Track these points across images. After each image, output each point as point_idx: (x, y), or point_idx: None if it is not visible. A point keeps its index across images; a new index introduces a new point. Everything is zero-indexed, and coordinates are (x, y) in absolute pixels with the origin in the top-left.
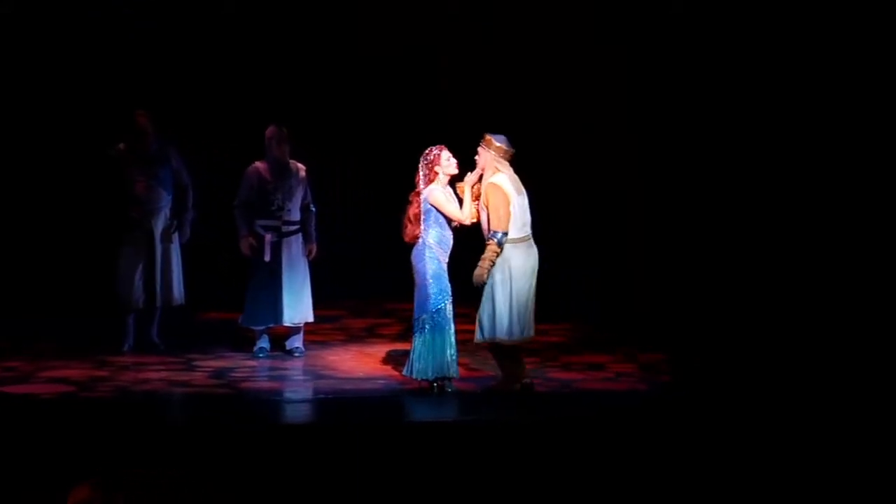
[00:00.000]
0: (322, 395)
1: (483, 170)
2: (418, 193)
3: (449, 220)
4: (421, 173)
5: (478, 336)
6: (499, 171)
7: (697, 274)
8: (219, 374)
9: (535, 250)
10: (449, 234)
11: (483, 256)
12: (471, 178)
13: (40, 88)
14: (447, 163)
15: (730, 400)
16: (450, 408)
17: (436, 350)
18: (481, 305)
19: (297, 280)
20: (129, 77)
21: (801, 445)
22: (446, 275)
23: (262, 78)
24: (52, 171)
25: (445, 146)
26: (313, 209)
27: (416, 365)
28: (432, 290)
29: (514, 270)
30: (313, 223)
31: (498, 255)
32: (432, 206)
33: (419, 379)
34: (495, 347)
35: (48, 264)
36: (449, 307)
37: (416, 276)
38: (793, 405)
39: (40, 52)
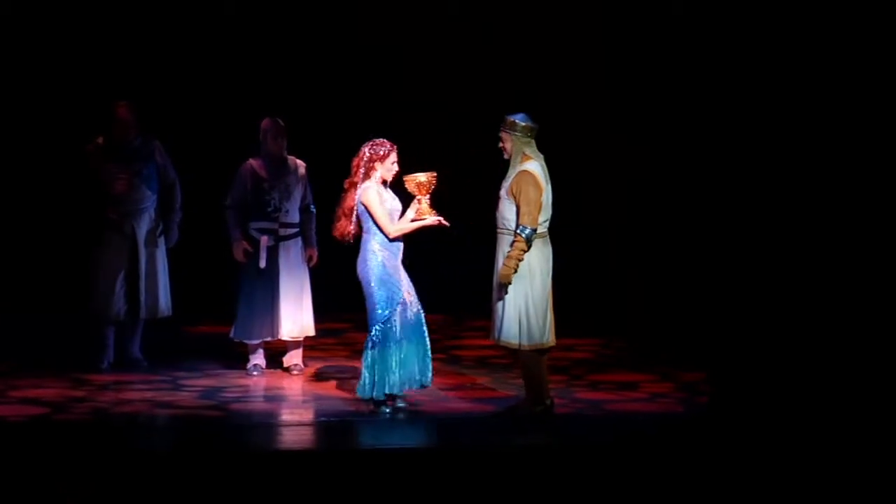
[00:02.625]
0: (323, 418)
1: (511, 154)
2: (354, 184)
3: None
4: (362, 161)
5: (494, 336)
6: (528, 157)
7: (744, 283)
8: (208, 394)
9: (550, 249)
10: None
11: (509, 254)
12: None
13: (17, 81)
14: (390, 166)
15: (776, 425)
16: (468, 432)
17: (385, 365)
18: (496, 306)
19: (295, 289)
20: (110, 65)
21: (848, 475)
22: (397, 278)
23: (256, 65)
24: (25, 168)
25: (397, 148)
26: (314, 210)
27: (362, 382)
28: (378, 298)
29: (531, 268)
30: (314, 226)
31: (525, 252)
32: (363, 204)
33: (364, 399)
34: (517, 354)
35: (19, 261)
36: (408, 314)
37: (361, 284)
38: (842, 434)
39: (16, 43)
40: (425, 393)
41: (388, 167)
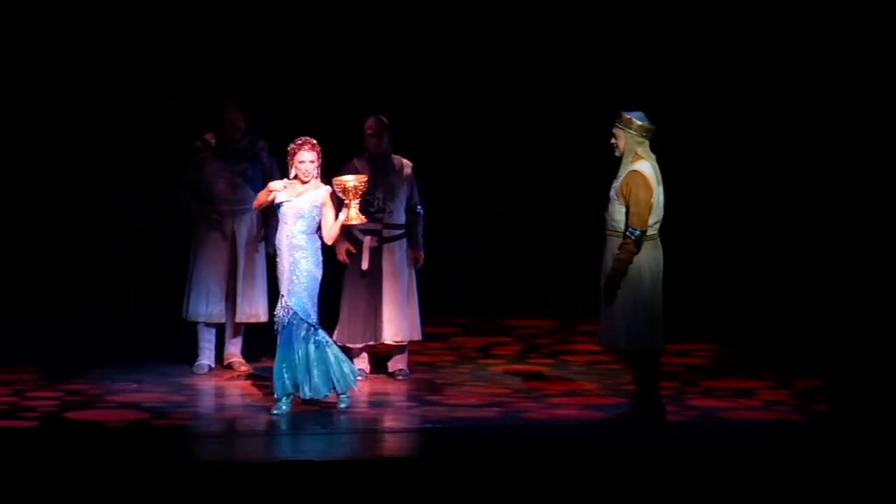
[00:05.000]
0: (429, 425)
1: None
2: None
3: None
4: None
5: (602, 340)
6: (640, 157)
7: (866, 286)
8: (309, 399)
9: (660, 251)
10: (278, 230)
11: (618, 256)
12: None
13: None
14: (298, 164)
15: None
16: (576, 438)
17: (277, 363)
18: (604, 309)
19: (399, 292)
20: (215, 62)
21: None
22: (278, 279)
23: (359, 64)
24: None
25: (309, 146)
26: (420, 211)
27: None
28: None
29: (640, 271)
30: (421, 227)
31: (635, 255)
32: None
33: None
34: (628, 357)
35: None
36: (282, 315)
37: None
38: None
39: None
40: (533, 399)
41: (296, 165)
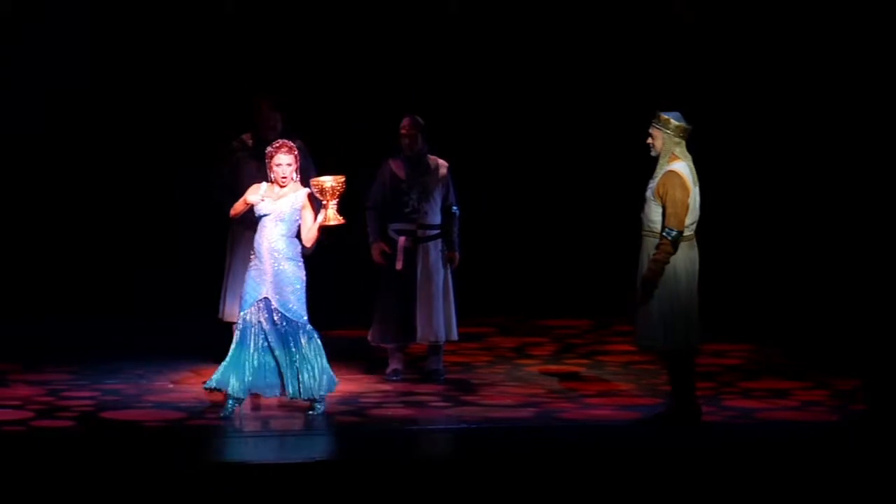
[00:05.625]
0: (465, 425)
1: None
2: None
3: (259, 220)
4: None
5: (638, 340)
6: (677, 157)
7: None
8: (346, 399)
9: (696, 252)
10: (258, 234)
11: (654, 257)
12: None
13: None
14: (275, 168)
15: None
16: (611, 438)
17: (230, 360)
18: (640, 309)
19: (434, 292)
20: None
21: None
22: (251, 284)
23: (399, 62)
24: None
25: (285, 150)
26: (456, 212)
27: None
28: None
29: (676, 272)
30: (457, 228)
31: (671, 255)
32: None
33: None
34: (664, 358)
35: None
36: (255, 319)
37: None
38: None
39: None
40: (569, 399)
41: (274, 169)
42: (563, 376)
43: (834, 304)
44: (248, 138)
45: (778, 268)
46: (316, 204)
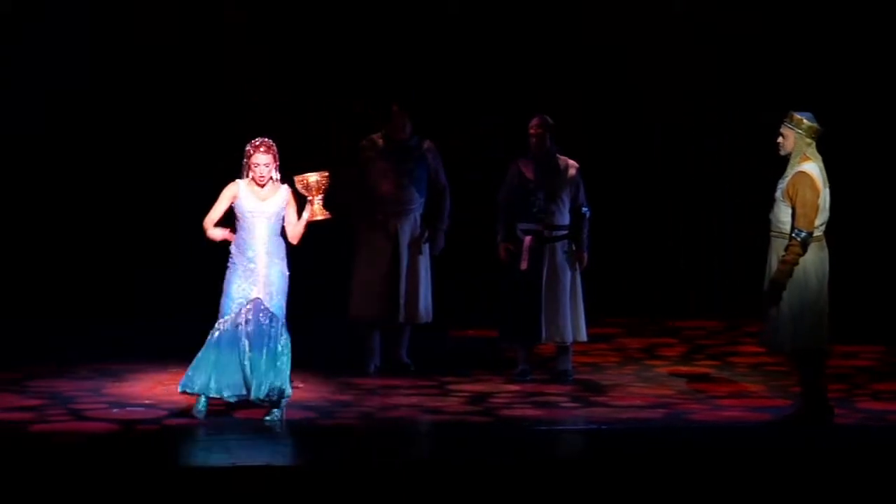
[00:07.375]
0: (594, 426)
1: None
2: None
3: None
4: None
5: (766, 342)
6: (807, 158)
7: None
8: (476, 399)
9: (826, 253)
10: (247, 235)
11: (784, 258)
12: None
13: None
14: (253, 167)
15: None
16: (740, 440)
17: (200, 362)
18: (769, 311)
19: (560, 293)
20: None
21: None
22: (237, 285)
23: (524, 62)
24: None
25: (265, 148)
26: (586, 212)
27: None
28: (221, 299)
29: (806, 273)
30: (586, 229)
31: (801, 256)
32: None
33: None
34: (793, 359)
35: None
36: (241, 320)
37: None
38: None
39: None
40: (698, 401)
41: (252, 168)
42: (693, 377)
43: None
44: (377, 138)
45: None
46: (299, 200)
